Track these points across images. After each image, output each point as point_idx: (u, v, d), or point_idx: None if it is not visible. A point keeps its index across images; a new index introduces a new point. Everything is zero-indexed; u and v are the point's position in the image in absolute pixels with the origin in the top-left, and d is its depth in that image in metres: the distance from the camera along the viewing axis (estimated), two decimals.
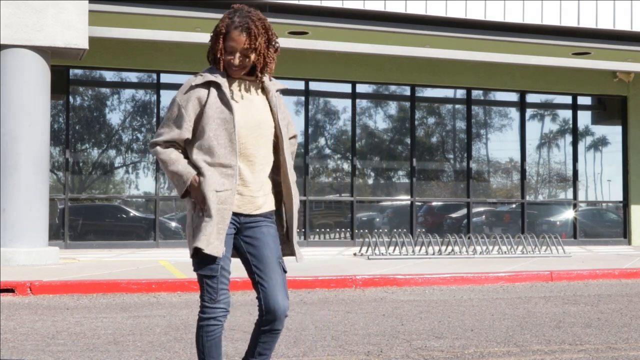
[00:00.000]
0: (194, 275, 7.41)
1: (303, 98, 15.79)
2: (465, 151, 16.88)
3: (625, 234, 17.57)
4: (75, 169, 14.82)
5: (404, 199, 16.41)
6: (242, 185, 3.32)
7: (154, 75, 14.95)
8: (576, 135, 17.64)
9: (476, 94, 16.98)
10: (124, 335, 5.76)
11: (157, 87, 14.97)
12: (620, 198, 17.71)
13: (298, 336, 5.72)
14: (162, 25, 12.47)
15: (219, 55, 3.27)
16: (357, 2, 12.70)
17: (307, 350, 5.21)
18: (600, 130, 18.06)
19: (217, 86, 3.29)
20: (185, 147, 3.34)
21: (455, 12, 13.18)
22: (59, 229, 14.21)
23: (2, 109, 10.68)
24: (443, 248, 13.31)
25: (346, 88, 16.06)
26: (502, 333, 5.94)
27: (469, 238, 13.61)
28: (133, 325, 6.23)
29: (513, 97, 17.23)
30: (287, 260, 3.51)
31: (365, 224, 16.11)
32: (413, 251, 12.54)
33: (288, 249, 3.50)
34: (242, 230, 3.37)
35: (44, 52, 10.92)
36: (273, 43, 3.33)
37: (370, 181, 16.75)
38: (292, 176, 3.45)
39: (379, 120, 16.63)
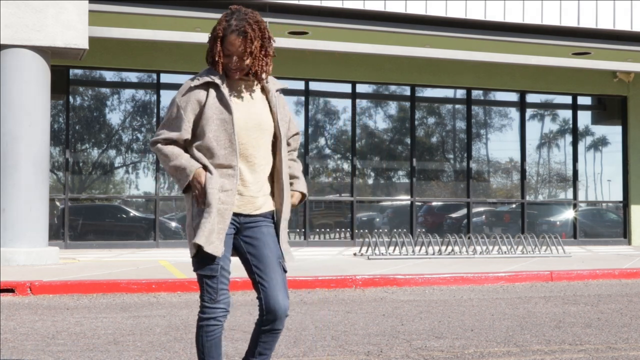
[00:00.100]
0: (194, 275, 7.41)
1: (303, 98, 15.79)
2: (465, 151, 16.88)
3: (625, 234, 17.57)
4: (75, 169, 14.82)
5: (404, 199, 16.41)
6: (242, 186, 3.32)
7: (154, 75, 14.95)
8: (576, 135, 17.64)
9: (476, 94, 16.99)
10: (124, 335, 5.76)
11: (157, 87, 14.97)
12: (620, 198, 17.72)
13: (298, 336, 5.72)
14: (162, 25, 12.47)
15: (217, 58, 3.28)
16: (357, 2, 12.71)
17: (307, 350, 5.21)
18: (600, 130, 18.07)
19: (216, 87, 3.29)
20: (186, 147, 3.35)
21: (455, 12, 13.18)
22: (59, 229, 14.22)
23: (2, 109, 10.69)
24: (443, 248, 13.31)
25: (346, 88, 16.07)
26: (502, 333, 5.94)
27: (469, 238, 13.61)
28: (133, 325, 6.23)
29: (513, 97, 17.23)
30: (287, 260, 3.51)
31: (365, 224, 16.11)
32: (413, 251, 12.54)
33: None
34: (241, 230, 3.38)
35: (44, 52, 10.92)
36: (267, 46, 3.31)
37: (370, 181, 16.75)
38: (298, 168, 3.52)
39: (379, 120, 16.64)
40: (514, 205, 17.25)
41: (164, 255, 12.75)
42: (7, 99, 10.69)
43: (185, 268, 9.82)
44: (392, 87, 16.53)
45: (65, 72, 14.21)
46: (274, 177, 3.45)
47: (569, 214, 17.47)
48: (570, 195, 17.59)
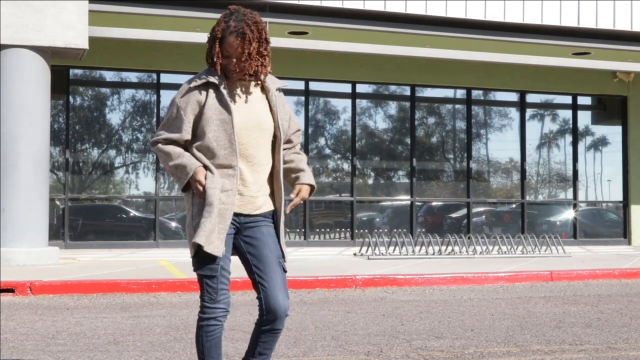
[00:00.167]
0: (194, 275, 7.42)
1: (303, 98, 15.79)
2: (465, 151, 16.88)
3: (625, 234, 17.57)
4: (75, 169, 14.82)
5: (404, 199, 16.41)
6: (242, 186, 3.32)
7: (154, 75, 14.95)
8: (576, 135, 17.64)
9: (476, 94, 16.98)
10: (124, 335, 5.76)
11: (157, 87, 14.97)
12: (620, 198, 17.72)
13: (298, 336, 5.72)
14: (162, 25, 12.47)
15: (215, 59, 3.28)
16: (357, 2, 12.71)
17: (307, 350, 5.21)
18: (600, 130, 18.07)
19: (216, 88, 3.29)
20: (187, 147, 3.35)
21: (455, 12, 13.19)
22: (59, 229, 14.22)
23: (2, 109, 10.69)
24: (443, 248, 13.31)
25: (346, 88, 16.07)
26: (502, 333, 5.94)
27: (469, 238, 13.61)
28: (133, 325, 6.23)
29: (513, 97, 17.23)
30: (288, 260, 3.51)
31: (365, 224, 16.11)
32: (413, 251, 12.54)
33: None
34: (241, 230, 3.38)
35: (44, 52, 10.92)
36: (264, 47, 3.30)
37: (370, 181, 16.75)
38: (303, 161, 3.52)
39: (379, 120, 16.64)
40: (514, 205, 17.25)
41: (164, 255, 12.75)
42: (7, 99, 10.69)
43: (185, 268, 9.82)
44: (392, 87, 16.53)
45: (65, 72, 14.21)
46: (273, 177, 3.45)
47: (569, 214, 17.47)
48: (570, 195, 17.59)
